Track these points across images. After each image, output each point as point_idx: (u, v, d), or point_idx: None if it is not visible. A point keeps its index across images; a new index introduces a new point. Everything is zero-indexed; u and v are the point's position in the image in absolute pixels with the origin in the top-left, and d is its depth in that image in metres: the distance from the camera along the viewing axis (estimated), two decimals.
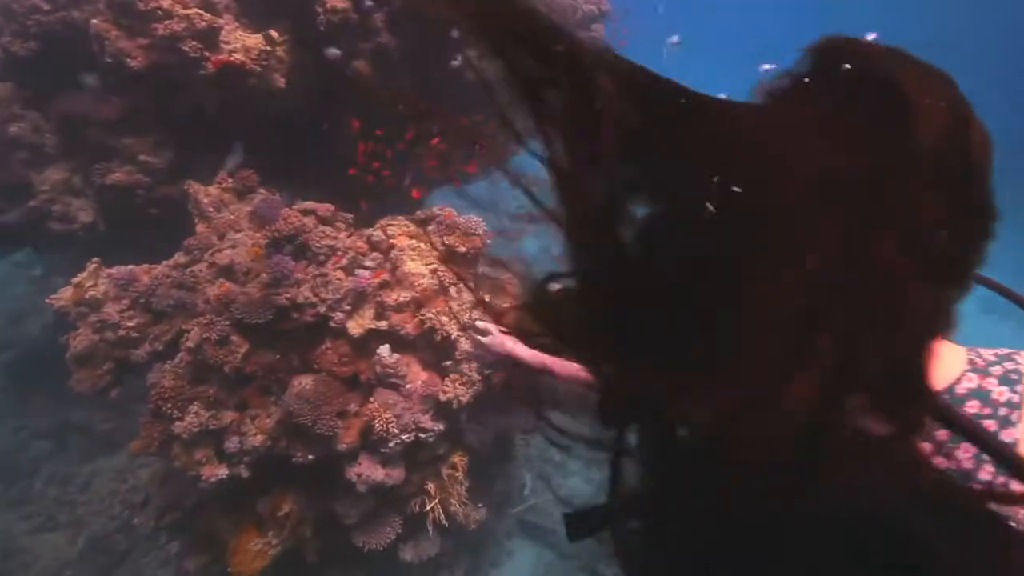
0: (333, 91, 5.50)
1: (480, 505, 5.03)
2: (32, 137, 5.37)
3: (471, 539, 5.64)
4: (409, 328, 3.50)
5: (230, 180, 4.64)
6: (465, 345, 3.57)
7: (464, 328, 3.55)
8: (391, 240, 3.86)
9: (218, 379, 3.47)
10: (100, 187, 5.32)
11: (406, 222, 4.09)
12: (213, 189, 4.62)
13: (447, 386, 3.54)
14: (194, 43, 4.43)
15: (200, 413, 3.30)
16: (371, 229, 3.97)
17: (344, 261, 3.63)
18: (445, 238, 3.86)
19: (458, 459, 4.19)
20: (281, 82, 5.15)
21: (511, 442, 5.00)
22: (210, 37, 4.50)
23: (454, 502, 4.15)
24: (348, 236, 3.76)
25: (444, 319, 3.46)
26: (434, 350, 3.59)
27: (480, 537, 5.98)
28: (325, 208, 3.78)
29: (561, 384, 1.46)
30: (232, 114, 5.03)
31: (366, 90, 5.34)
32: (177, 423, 3.25)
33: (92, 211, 5.47)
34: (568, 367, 1.41)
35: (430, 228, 4.04)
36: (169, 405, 3.24)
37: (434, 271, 3.61)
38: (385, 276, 3.64)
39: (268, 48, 4.74)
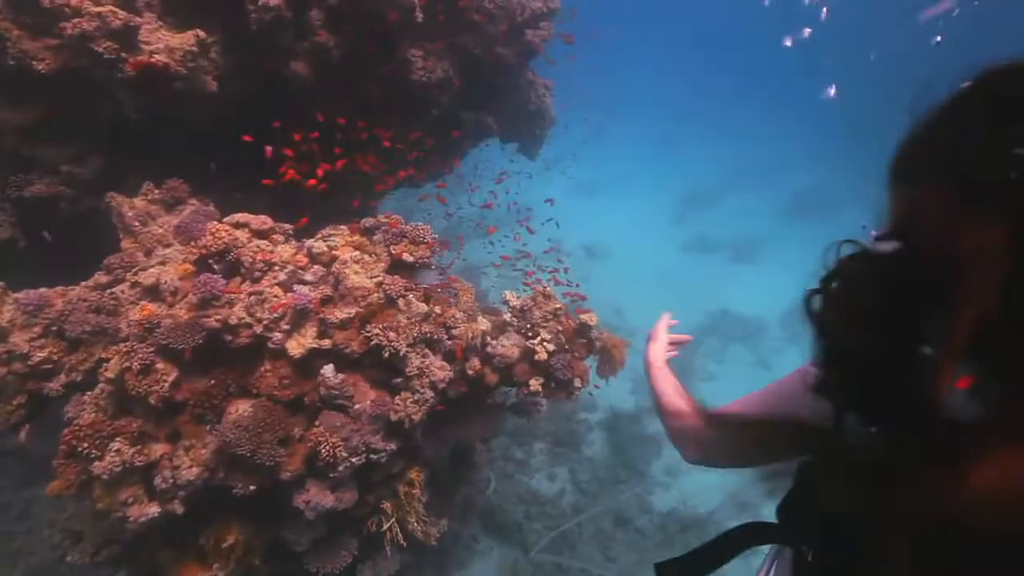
0: (271, 94, 5.11)
1: (441, 519, 4.81)
2: None
3: (434, 548, 5.40)
4: (355, 346, 3.22)
5: (157, 191, 4.22)
6: (416, 361, 3.31)
7: (413, 344, 3.30)
8: (333, 252, 3.56)
9: (144, 410, 3.11)
10: (18, 200, 4.80)
11: (349, 232, 3.79)
12: (139, 201, 4.19)
13: (398, 404, 3.27)
14: (109, 43, 3.98)
15: (123, 450, 2.94)
16: (311, 240, 3.65)
17: (282, 277, 3.30)
18: (392, 247, 3.58)
19: (415, 475, 3.93)
20: (213, 85, 4.72)
21: (471, 450, 4.78)
22: (127, 37, 4.06)
23: (412, 520, 3.90)
24: (287, 249, 3.44)
25: (392, 335, 3.19)
26: (383, 367, 3.32)
27: (444, 544, 5.73)
28: (260, 220, 3.44)
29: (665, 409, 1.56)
30: (160, 120, 4.59)
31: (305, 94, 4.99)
32: (96, 463, 2.88)
33: (9, 227, 4.92)
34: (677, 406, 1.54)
35: (375, 237, 3.75)
36: (86, 444, 2.86)
37: (380, 284, 3.33)
38: (327, 291, 3.34)
39: (195, 49, 4.32)
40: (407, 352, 3.23)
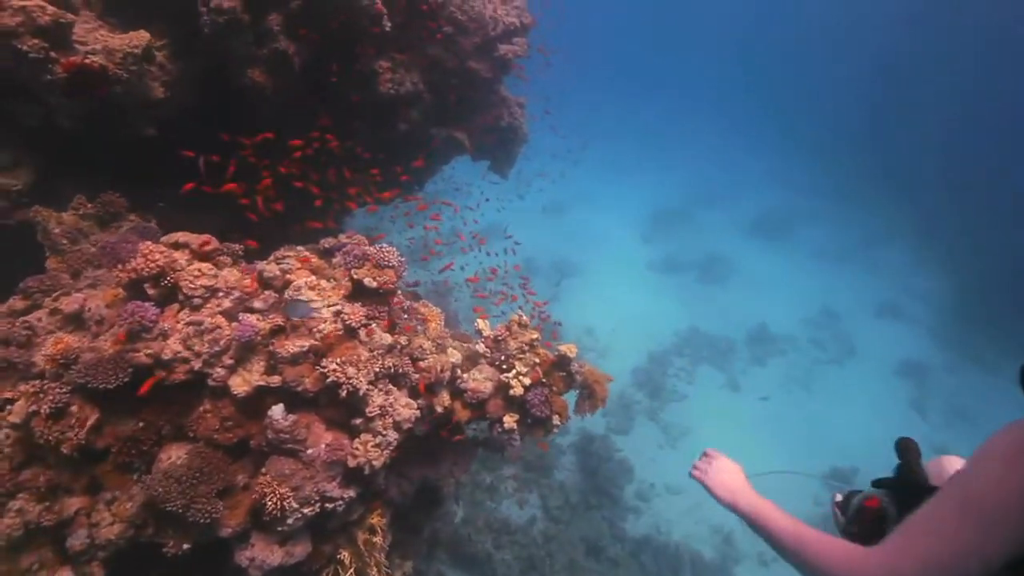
0: (227, 105, 4.69)
1: (406, 561, 4.38)
2: None
3: None
4: (308, 383, 2.81)
5: (90, 205, 3.74)
6: (378, 399, 2.92)
7: (375, 380, 2.91)
8: (287, 276, 3.15)
9: (57, 459, 2.63)
10: None
11: (306, 253, 3.39)
12: (68, 216, 3.70)
13: (357, 448, 2.87)
14: (35, 41, 3.52)
15: (26, 509, 2.46)
16: (263, 263, 3.25)
17: (227, 304, 2.89)
18: (353, 272, 3.21)
19: (376, 520, 3.51)
20: (159, 92, 4.28)
21: (439, 487, 4.37)
22: (58, 35, 3.60)
23: (373, 571, 3.47)
24: (233, 274, 3.02)
25: (351, 370, 2.80)
26: (341, 406, 2.92)
27: None
28: (202, 240, 3.02)
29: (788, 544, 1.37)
30: (98, 129, 4.12)
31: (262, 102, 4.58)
32: None
33: None
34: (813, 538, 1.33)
35: (335, 260, 3.36)
36: None
37: (338, 313, 2.95)
38: (279, 320, 2.93)
39: (137, 52, 3.89)
40: (368, 390, 2.84)
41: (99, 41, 3.85)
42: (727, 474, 1.73)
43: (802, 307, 13.54)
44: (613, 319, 11.72)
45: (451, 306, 9.63)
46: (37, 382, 2.54)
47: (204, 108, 4.58)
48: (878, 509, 1.57)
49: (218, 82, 4.58)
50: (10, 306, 3.15)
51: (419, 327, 3.64)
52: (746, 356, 12.11)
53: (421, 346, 3.37)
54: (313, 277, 3.05)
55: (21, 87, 3.81)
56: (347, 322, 2.91)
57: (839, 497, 1.79)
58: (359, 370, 2.83)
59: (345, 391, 2.77)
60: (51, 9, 3.46)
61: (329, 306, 2.96)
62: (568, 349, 3.42)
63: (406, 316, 3.63)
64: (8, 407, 2.57)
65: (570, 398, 3.58)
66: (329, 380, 2.77)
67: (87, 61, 3.66)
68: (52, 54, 3.62)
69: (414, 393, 3.29)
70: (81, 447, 2.57)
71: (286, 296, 2.98)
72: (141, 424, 2.74)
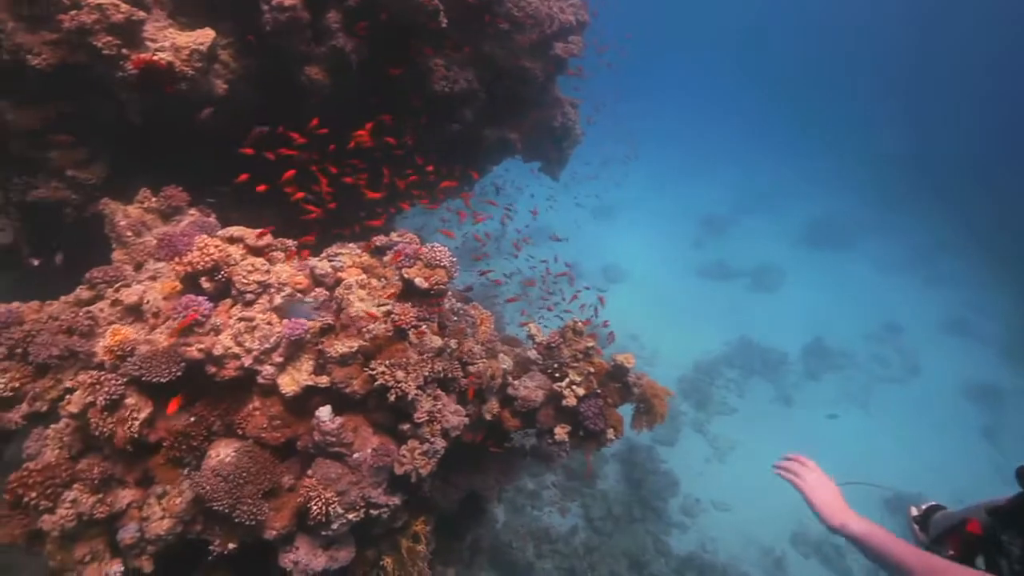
0: (286, 102, 4.70)
1: (448, 568, 4.25)
2: None
3: None
4: (356, 385, 2.70)
5: (154, 199, 3.77)
6: (426, 404, 2.79)
7: (424, 385, 2.78)
8: (339, 273, 3.06)
9: (112, 450, 2.61)
10: (21, 204, 4.40)
11: (359, 251, 3.30)
12: (134, 209, 3.74)
13: (404, 455, 2.75)
14: (109, 38, 3.57)
15: (80, 500, 2.44)
16: (315, 260, 3.17)
17: (278, 300, 2.81)
18: (404, 271, 3.09)
19: (420, 527, 3.39)
20: (222, 89, 4.31)
21: (484, 496, 4.22)
22: (130, 32, 3.65)
23: None
24: (286, 269, 2.95)
25: (400, 374, 2.67)
26: (388, 410, 2.80)
27: None
28: (256, 235, 2.96)
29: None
30: (166, 125, 4.18)
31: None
32: (45, 517, 2.38)
33: (12, 231, 4.51)
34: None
35: (386, 258, 3.26)
36: (34, 494, 2.37)
37: (388, 313, 2.83)
38: (329, 319, 2.84)
39: (203, 49, 3.91)
40: (417, 395, 2.71)
41: (168, 39, 3.89)
42: (830, 493, 1.71)
43: (861, 320, 12.74)
44: (659, 325, 11.33)
45: (498, 308, 9.51)
46: (95, 372, 2.53)
47: (263, 106, 4.60)
48: (980, 536, 1.53)
49: (277, 81, 4.59)
50: (77, 296, 3.19)
51: (469, 330, 3.50)
52: (800, 370, 11.48)
53: (471, 350, 3.22)
54: (364, 275, 2.94)
55: (96, 83, 3.90)
56: (397, 323, 2.79)
57: (915, 512, 1.79)
58: (408, 374, 2.70)
59: (394, 395, 2.64)
60: (124, 7, 3.50)
61: (379, 305, 2.84)
62: (625, 359, 3.20)
63: (456, 318, 3.50)
64: (68, 396, 2.57)
65: (625, 411, 3.35)
66: (378, 383, 2.65)
67: (155, 58, 3.70)
68: (124, 51, 3.67)
69: (463, 398, 3.15)
70: (134, 440, 2.54)
71: (336, 293, 2.89)
72: (192, 419, 2.70)
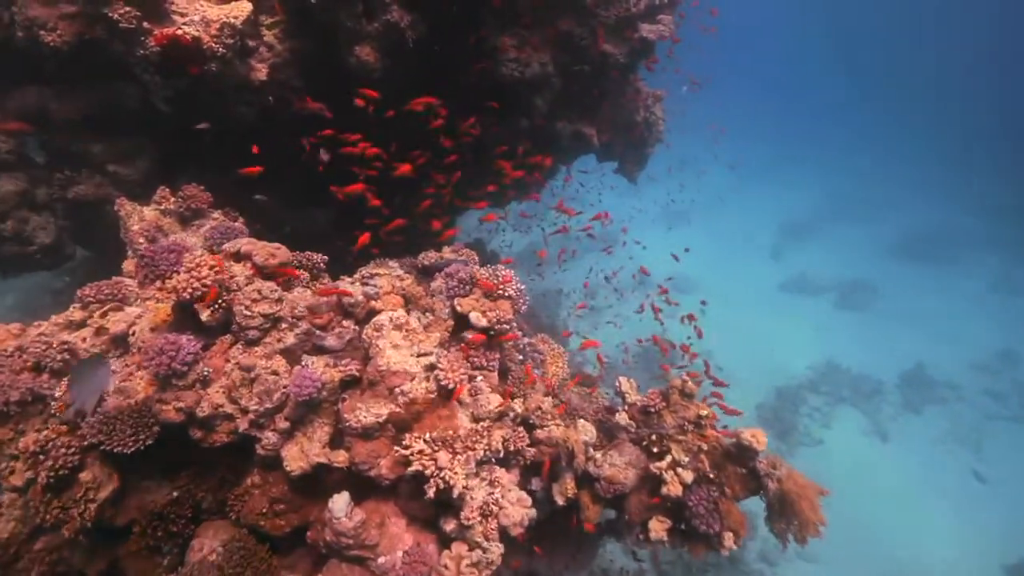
0: (332, 87, 3.98)
1: None
2: None
3: None
4: (384, 468, 1.89)
5: (172, 199, 3.14)
6: (479, 495, 1.94)
7: (478, 467, 1.93)
8: (372, 302, 2.27)
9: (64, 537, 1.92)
10: (62, 201, 3.94)
11: (400, 271, 2.50)
12: (150, 211, 3.12)
13: (447, 566, 1.91)
14: (127, 9, 2.95)
15: None
16: (345, 282, 2.39)
17: (290, 339, 2.05)
18: (457, 303, 2.26)
19: None
20: (262, 73, 3.64)
21: None
22: (152, 2, 3.03)
23: None
24: (304, 296, 2.19)
25: (444, 457, 1.84)
26: (426, 502, 1.97)
27: None
28: (268, 251, 2.20)
29: None
30: (196, 114, 3.56)
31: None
32: None
33: (55, 229, 4.05)
34: None
35: (434, 284, 2.43)
36: None
37: (431, 368, 2.00)
38: (354, 368, 2.04)
39: (235, 23, 3.23)
40: (465, 489, 1.87)
41: (198, 12, 3.24)
42: None
43: (972, 348, 10.89)
44: (734, 344, 10.04)
45: (559, 320, 8.60)
46: (45, 434, 1.84)
47: (309, 94, 3.90)
48: None
49: (323, 67, 3.88)
50: (67, 317, 2.56)
51: (537, 371, 2.63)
52: (897, 400, 9.87)
53: (540, 408, 2.35)
54: (402, 311, 2.12)
55: (119, 65, 3.30)
56: (443, 382, 1.96)
57: None
58: (455, 456, 1.86)
59: (434, 488, 1.82)
60: None
61: (420, 355, 2.02)
62: (754, 437, 2.23)
63: (521, 358, 2.64)
64: (12, 463, 1.90)
65: (749, 505, 2.38)
66: (413, 468, 1.83)
67: (179, 32, 3.04)
68: (145, 24, 3.04)
69: (528, 469, 2.30)
70: (90, 524, 1.84)
71: (366, 334, 2.08)
72: (175, 494, 1.98)
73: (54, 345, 2.20)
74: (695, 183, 14.32)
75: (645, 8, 4.88)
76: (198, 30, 3.12)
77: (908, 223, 15.18)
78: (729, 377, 10.09)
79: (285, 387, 1.90)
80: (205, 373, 1.89)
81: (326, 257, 2.69)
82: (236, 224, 3.19)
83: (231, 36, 3.22)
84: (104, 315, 2.35)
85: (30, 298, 5.94)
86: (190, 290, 1.91)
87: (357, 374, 2.02)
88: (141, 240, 3.02)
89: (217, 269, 1.98)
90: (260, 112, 3.69)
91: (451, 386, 1.95)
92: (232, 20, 3.23)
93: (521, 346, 2.68)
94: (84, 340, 2.33)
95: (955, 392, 10.09)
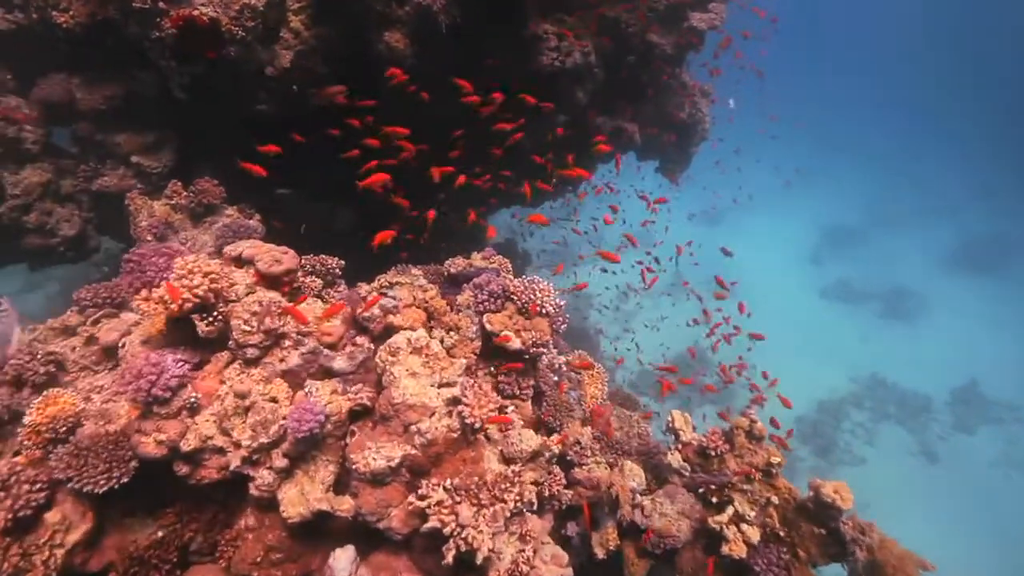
0: (357, 76, 3.68)
1: None
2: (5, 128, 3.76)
3: None
4: (395, 520, 1.57)
5: (184, 194, 2.89)
6: (508, 554, 1.60)
7: (508, 521, 1.60)
8: (389, 317, 1.94)
9: None
10: (87, 192, 3.77)
11: (423, 281, 2.17)
12: (160, 206, 2.88)
13: None
14: None
15: None
16: (363, 287, 2.08)
17: (294, 359, 1.74)
18: (487, 321, 1.92)
19: None
20: (285, 60, 3.36)
21: None
22: None
23: None
24: (315, 307, 1.88)
25: (466, 513, 1.50)
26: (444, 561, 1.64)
27: None
28: (272, 256, 1.90)
29: None
30: (215, 103, 3.31)
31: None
32: None
33: (80, 221, 3.88)
34: None
35: (461, 297, 2.10)
36: None
37: (453, 402, 1.67)
38: (365, 395, 1.72)
39: (256, 4, 2.96)
40: (491, 551, 1.53)
41: None
42: None
43: None
44: (774, 353, 9.45)
45: (590, 327, 8.20)
46: (11, 462, 1.58)
47: (334, 82, 3.60)
48: None
49: (351, 55, 3.58)
50: (63, 321, 2.32)
51: (572, 395, 2.28)
52: (947, 419, 9.16)
53: (578, 442, 2.00)
54: (422, 332, 1.79)
55: (136, 49, 3.07)
56: (468, 420, 1.62)
57: None
58: (480, 510, 1.53)
59: (454, 551, 1.48)
60: None
61: (441, 386, 1.68)
62: (837, 493, 1.82)
63: (556, 378, 2.29)
64: None
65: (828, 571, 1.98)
66: (429, 525, 1.50)
67: (196, 13, 2.78)
68: (160, 4, 2.78)
69: (563, 512, 1.95)
70: (64, 571, 1.58)
71: (379, 358, 1.76)
72: (160, 533, 1.70)
73: (38, 356, 1.95)
74: (734, 181, 13.61)
75: None
76: (216, 11, 2.85)
77: (963, 232, 14.18)
78: (767, 388, 9.46)
79: (284, 419, 1.59)
80: (193, 399, 1.60)
81: (343, 262, 2.39)
82: (251, 222, 2.92)
83: (251, 19, 2.94)
84: (96, 322, 2.09)
85: (72, 288, 5.89)
86: (179, 301, 1.61)
87: (369, 403, 1.70)
88: (149, 237, 2.77)
89: (213, 276, 1.68)
90: (282, 101, 3.41)
91: (477, 424, 1.61)
92: (253, 1, 2.95)
93: (556, 366, 2.33)
94: (74, 349, 2.08)
95: (1013, 413, 9.32)
